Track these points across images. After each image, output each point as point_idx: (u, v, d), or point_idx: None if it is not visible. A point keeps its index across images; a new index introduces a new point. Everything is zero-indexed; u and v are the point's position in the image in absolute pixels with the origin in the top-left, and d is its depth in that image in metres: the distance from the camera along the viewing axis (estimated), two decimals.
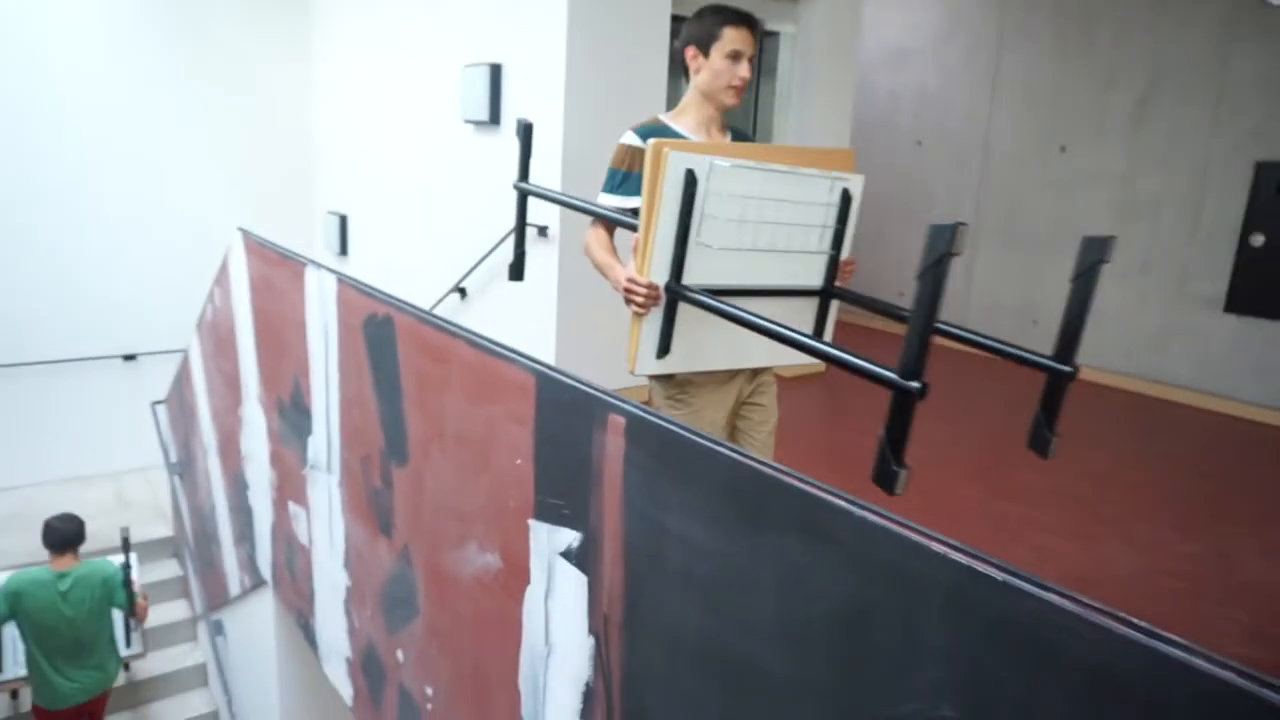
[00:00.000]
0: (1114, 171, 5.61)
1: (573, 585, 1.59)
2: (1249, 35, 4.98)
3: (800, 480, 1.13)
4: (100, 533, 5.52)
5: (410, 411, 2.12)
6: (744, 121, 5.38)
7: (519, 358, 1.66)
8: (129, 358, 6.44)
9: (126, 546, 4.27)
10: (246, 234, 3.38)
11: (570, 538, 1.57)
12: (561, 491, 1.58)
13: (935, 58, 6.61)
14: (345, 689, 2.83)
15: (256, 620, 4.00)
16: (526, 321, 4.34)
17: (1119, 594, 3.00)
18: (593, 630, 1.55)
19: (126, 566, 4.14)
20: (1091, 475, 4.10)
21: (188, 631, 5.35)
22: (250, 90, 6.68)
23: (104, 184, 6.23)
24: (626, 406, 1.40)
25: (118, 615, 4.24)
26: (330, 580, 2.84)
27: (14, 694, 4.48)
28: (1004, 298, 6.18)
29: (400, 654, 2.36)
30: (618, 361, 4.79)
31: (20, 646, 4.09)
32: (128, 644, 4.48)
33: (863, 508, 1.01)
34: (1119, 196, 5.61)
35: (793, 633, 1.15)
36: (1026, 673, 0.87)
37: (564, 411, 1.54)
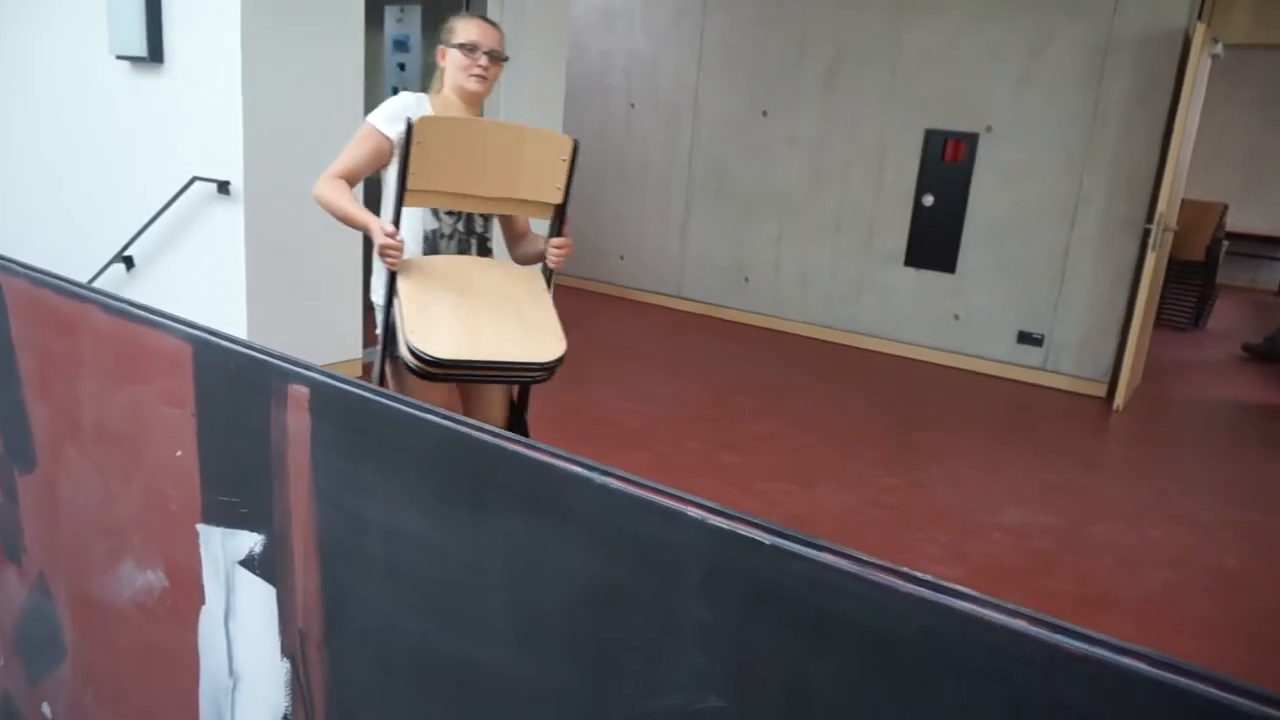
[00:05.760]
0: (809, 136, 5.98)
1: (259, 601, 1.29)
2: (919, 10, 5.49)
3: (529, 447, 0.94)
4: None
5: (33, 403, 1.65)
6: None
7: (169, 322, 1.30)
8: None
9: None
10: None
11: (251, 542, 1.27)
12: (236, 486, 1.27)
13: (643, 20, 6.66)
14: None
15: None
16: (210, 298, 3.76)
17: (836, 529, 3.16)
18: (287, 652, 1.27)
19: None
20: (804, 422, 4.34)
21: None
22: None
23: None
24: (310, 373, 1.12)
25: None
26: None
27: None
28: (717, 256, 6.39)
29: (47, 708, 1.89)
30: (326, 338, 4.31)
31: None
32: None
33: (604, 473, 0.84)
34: (815, 160, 5.99)
35: (528, 628, 0.97)
36: (799, 645, 0.75)
37: (232, 386, 1.23)
